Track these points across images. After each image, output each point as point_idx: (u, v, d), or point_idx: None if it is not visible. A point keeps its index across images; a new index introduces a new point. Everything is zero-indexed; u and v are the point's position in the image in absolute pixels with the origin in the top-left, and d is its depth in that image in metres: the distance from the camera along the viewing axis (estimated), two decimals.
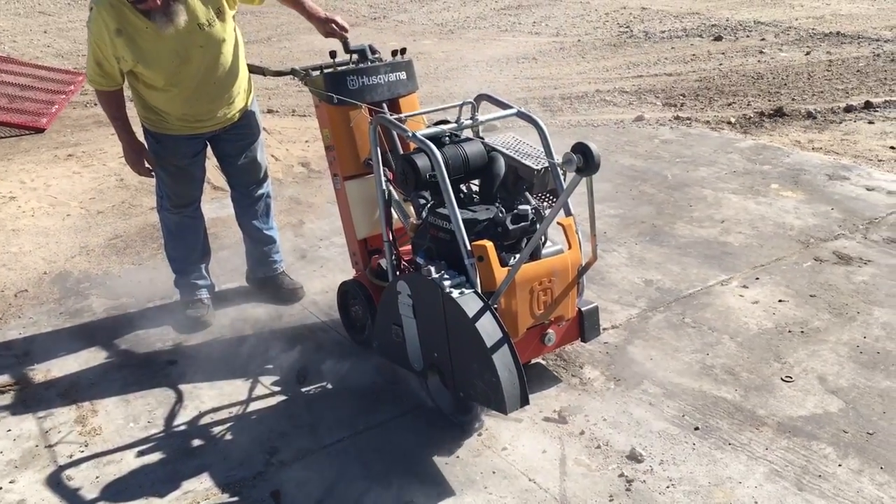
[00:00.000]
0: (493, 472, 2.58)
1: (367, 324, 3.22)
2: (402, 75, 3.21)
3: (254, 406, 3.01)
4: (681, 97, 7.05)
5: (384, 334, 2.90)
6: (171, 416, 2.97)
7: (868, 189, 4.75)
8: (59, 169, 5.57)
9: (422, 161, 2.76)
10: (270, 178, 3.75)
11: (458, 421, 2.79)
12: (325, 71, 3.14)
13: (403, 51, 3.26)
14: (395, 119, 2.87)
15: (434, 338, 2.66)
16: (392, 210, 2.98)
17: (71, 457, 2.77)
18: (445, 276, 2.57)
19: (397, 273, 2.97)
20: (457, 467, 2.61)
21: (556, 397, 2.95)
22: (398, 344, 2.83)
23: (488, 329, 2.45)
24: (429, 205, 2.83)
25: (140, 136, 3.36)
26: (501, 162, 2.89)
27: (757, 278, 3.76)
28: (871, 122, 6.13)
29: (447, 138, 2.89)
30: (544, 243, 2.81)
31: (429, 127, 2.95)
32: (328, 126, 3.16)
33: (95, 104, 7.45)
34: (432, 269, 2.59)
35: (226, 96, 3.32)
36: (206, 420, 2.94)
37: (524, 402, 2.48)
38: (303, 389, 3.09)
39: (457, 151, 2.84)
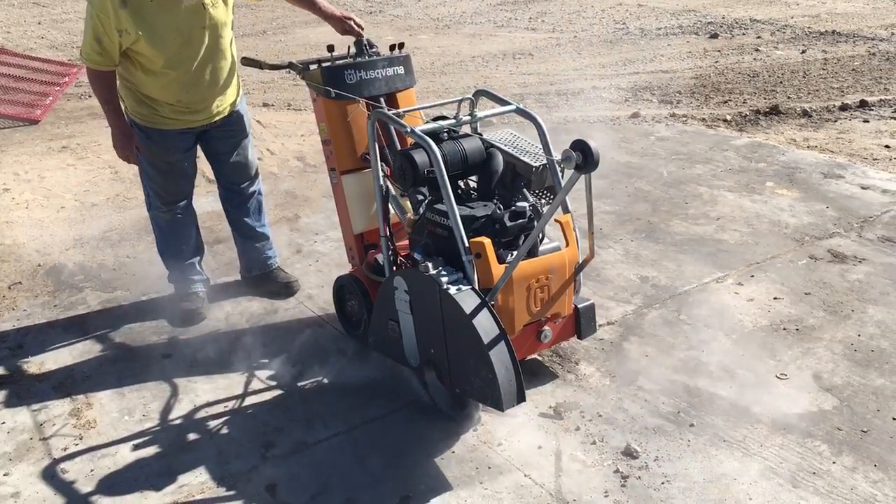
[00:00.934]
0: (489, 468, 2.59)
1: (363, 319, 3.22)
2: (400, 70, 3.20)
3: (249, 400, 3.00)
4: (677, 94, 7.06)
5: (380, 330, 2.90)
6: (166, 409, 2.97)
7: (863, 188, 4.77)
8: (54, 161, 5.55)
9: (420, 157, 2.76)
10: (261, 176, 3.74)
11: (453, 416, 2.79)
12: (323, 65, 3.13)
13: (401, 45, 3.25)
14: (394, 114, 2.86)
15: (431, 334, 2.66)
16: (389, 205, 2.98)
17: (65, 450, 2.76)
18: (443, 272, 2.57)
19: (394, 269, 2.97)
20: (452, 462, 2.62)
21: (552, 393, 2.95)
22: (394, 339, 2.83)
23: (485, 326, 2.46)
24: (426, 201, 2.82)
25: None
26: (500, 158, 2.89)
27: (752, 276, 3.77)
28: (866, 121, 6.15)
29: (445, 134, 2.89)
30: (542, 240, 2.81)
31: (427, 122, 2.94)
32: (325, 120, 3.16)
33: (90, 96, 7.41)
34: (430, 265, 2.59)
35: (221, 85, 3.31)
36: (201, 414, 2.93)
37: (520, 398, 2.48)
38: (298, 384, 3.08)
39: (455, 147, 2.84)
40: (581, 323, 2.97)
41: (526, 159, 2.86)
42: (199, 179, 3.64)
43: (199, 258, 3.69)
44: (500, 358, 2.44)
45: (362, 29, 3.31)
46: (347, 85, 3.07)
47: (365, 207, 3.20)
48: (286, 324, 3.51)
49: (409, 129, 2.74)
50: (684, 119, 6.33)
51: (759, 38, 9.36)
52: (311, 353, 3.26)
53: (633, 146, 5.67)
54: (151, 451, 2.75)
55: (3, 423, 2.92)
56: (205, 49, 3.18)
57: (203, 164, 3.66)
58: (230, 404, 2.98)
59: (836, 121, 6.21)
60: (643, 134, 5.96)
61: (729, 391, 2.94)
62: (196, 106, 3.30)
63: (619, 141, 5.78)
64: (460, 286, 2.53)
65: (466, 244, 2.57)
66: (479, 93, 3.08)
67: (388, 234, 2.94)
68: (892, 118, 6.19)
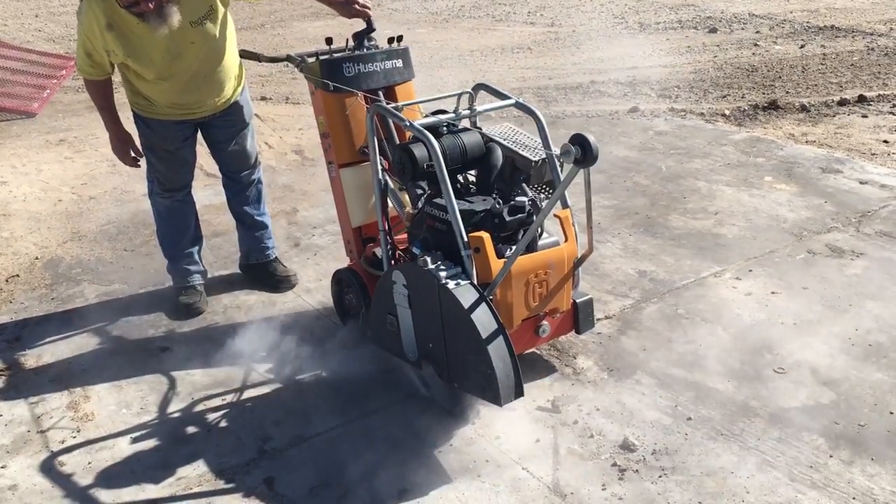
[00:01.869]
0: (487, 461, 2.59)
1: (360, 312, 3.22)
2: (399, 63, 3.19)
3: (247, 393, 3.00)
4: (675, 89, 7.06)
5: (378, 323, 2.90)
6: (164, 402, 2.97)
7: (861, 182, 4.77)
8: (51, 154, 5.54)
9: (419, 151, 2.75)
10: (261, 165, 3.74)
11: (451, 410, 2.79)
12: (321, 58, 3.12)
13: (400, 38, 3.24)
14: (393, 108, 2.86)
15: (429, 328, 2.66)
16: (388, 199, 2.97)
17: (63, 442, 2.76)
18: (441, 266, 2.57)
19: (393, 263, 2.97)
20: (450, 456, 2.62)
21: (550, 387, 2.95)
22: (393, 333, 2.83)
23: (483, 320, 2.45)
24: (425, 195, 2.82)
25: (129, 120, 3.35)
26: (499, 153, 2.89)
27: (750, 270, 3.78)
28: (864, 116, 6.15)
29: (444, 128, 2.88)
30: (540, 235, 2.81)
31: (426, 116, 2.93)
32: (323, 113, 3.15)
33: None
34: (428, 259, 2.59)
35: (216, 88, 3.31)
36: (199, 407, 2.93)
37: (518, 393, 2.49)
38: (296, 377, 3.08)
39: (454, 141, 2.83)
40: (579, 318, 2.97)
41: (525, 154, 2.85)
42: (198, 173, 3.63)
43: (197, 248, 3.68)
44: (498, 353, 2.44)
45: (368, 9, 3.19)
46: (346, 78, 3.06)
47: (363, 201, 3.19)
48: (284, 317, 3.51)
49: (408, 123, 2.73)
50: (683, 113, 6.32)
51: (757, 32, 9.36)
52: (309, 347, 3.26)
53: (632, 140, 5.67)
54: (149, 443, 2.75)
55: (1, 415, 2.92)
56: (197, 62, 3.17)
57: (202, 159, 3.66)
58: (228, 397, 2.98)
59: (834, 116, 6.21)
60: (642, 128, 5.96)
61: (726, 385, 2.94)
62: (192, 106, 3.31)
63: (617, 135, 5.78)
64: (459, 280, 2.53)
65: (465, 238, 2.57)
66: (479, 87, 3.07)
67: (386, 228, 2.94)
68: (890, 113, 6.19)
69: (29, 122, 6.40)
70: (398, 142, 3.08)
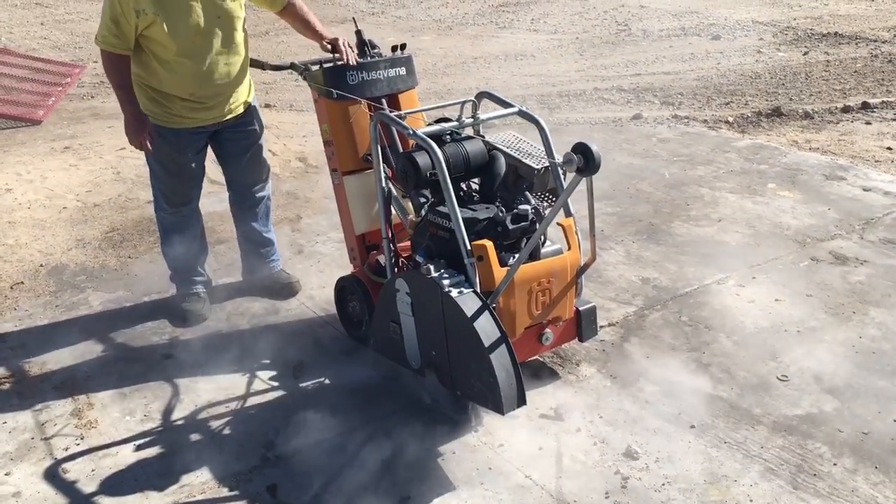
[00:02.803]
0: (490, 469, 2.59)
1: (364, 320, 3.22)
2: (402, 71, 3.21)
3: (250, 400, 3.01)
4: (679, 96, 7.06)
5: (382, 331, 2.90)
6: (168, 409, 2.97)
7: (865, 189, 4.76)
8: (56, 161, 5.55)
9: (423, 159, 2.76)
10: (271, 179, 3.74)
11: (454, 418, 2.79)
12: (325, 66, 3.14)
13: (403, 46, 3.26)
14: (396, 116, 2.86)
15: (432, 336, 2.67)
16: (391, 207, 2.98)
17: (67, 449, 2.77)
18: (445, 274, 2.58)
19: (396, 270, 2.97)
20: (453, 463, 2.62)
21: (553, 394, 2.95)
22: (396, 341, 2.83)
23: (486, 329, 2.46)
24: (429, 203, 2.82)
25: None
26: (502, 161, 2.89)
27: (753, 277, 3.77)
28: (868, 123, 6.14)
29: (448, 136, 2.89)
30: (543, 243, 2.81)
31: (429, 124, 2.94)
32: (327, 121, 3.16)
33: (92, 97, 7.43)
34: (431, 267, 2.59)
35: (233, 80, 3.31)
36: (202, 414, 2.94)
37: (521, 402, 2.49)
38: (299, 384, 3.09)
39: (458, 150, 2.84)
40: (582, 325, 2.97)
41: (528, 162, 2.86)
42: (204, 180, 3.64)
43: (202, 260, 3.69)
44: (500, 361, 2.44)
45: (348, 54, 3.17)
46: (349, 86, 3.07)
47: (367, 208, 3.20)
48: (287, 324, 3.52)
49: (411, 132, 2.74)
50: (686, 120, 6.32)
51: (761, 39, 9.36)
52: (312, 354, 3.26)
53: (635, 147, 5.67)
54: (153, 451, 2.75)
55: (5, 422, 2.92)
56: (219, 41, 3.19)
57: (207, 167, 3.66)
58: (231, 405, 2.98)
59: (838, 122, 6.21)
60: (645, 135, 5.96)
61: (730, 392, 2.94)
62: (209, 101, 3.30)
63: (620, 142, 5.78)
64: (462, 289, 2.53)
65: (468, 247, 2.57)
66: (482, 94, 3.08)
67: (389, 235, 2.94)
68: (894, 120, 6.19)
69: (34, 130, 6.42)
70: (401, 149, 3.09)
